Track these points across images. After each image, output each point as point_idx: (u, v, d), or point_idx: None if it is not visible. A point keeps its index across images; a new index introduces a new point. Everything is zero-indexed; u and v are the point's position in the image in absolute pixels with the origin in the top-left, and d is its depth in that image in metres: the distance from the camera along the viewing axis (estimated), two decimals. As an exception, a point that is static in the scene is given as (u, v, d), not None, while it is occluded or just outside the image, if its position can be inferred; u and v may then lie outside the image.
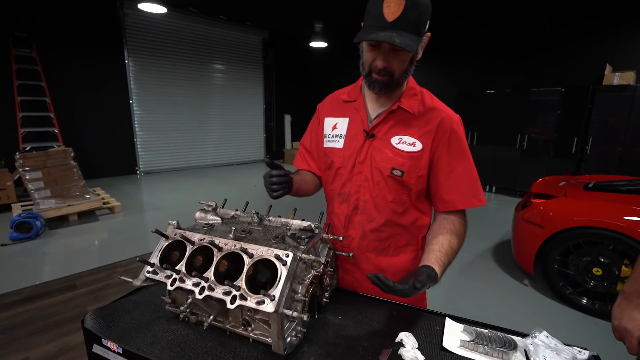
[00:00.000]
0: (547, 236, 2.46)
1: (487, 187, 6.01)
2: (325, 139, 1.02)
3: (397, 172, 0.90)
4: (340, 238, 0.86)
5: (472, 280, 2.82)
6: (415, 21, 0.75)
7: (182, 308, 0.74)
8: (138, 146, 6.89)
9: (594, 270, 2.31)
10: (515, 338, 0.77)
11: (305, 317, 0.67)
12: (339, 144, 0.98)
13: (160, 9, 4.98)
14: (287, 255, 0.70)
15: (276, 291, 0.66)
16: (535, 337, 0.75)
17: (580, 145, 4.89)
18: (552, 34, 5.41)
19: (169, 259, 0.83)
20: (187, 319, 0.81)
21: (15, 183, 4.45)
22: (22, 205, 4.08)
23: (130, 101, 6.59)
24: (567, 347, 0.73)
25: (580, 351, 0.72)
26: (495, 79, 6.12)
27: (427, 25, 0.81)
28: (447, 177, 0.91)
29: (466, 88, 6.39)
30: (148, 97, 6.86)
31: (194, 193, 5.74)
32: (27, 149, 4.71)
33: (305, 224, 0.87)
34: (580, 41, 5.17)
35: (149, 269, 0.78)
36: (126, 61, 6.40)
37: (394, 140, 0.90)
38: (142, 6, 4.81)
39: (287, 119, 9.47)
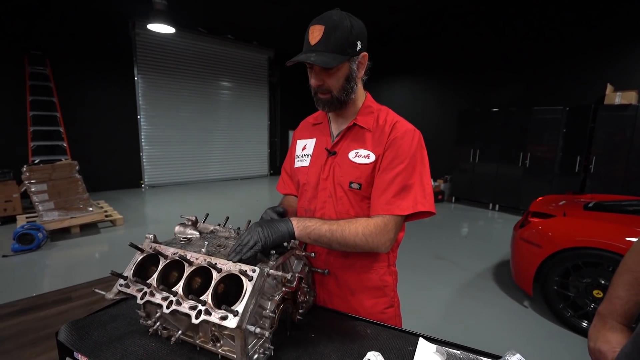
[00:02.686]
0: (545, 256, 2.41)
1: (490, 205, 5.94)
2: (295, 160, 1.08)
3: (355, 185, 0.92)
4: (312, 254, 0.86)
5: (471, 300, 2.76)
6: (337, 42, 0.82)
7: (149, 322, 0.75)
8: (144, 160, 7.03)
9: (595, 292, 2.24)
10: (486, 360, 0.76)
11: (267, 334, 0.67)
12: (306, 162, 1.03)
13: (169, 29, 5.17)
14: (254, 271, 0.71)
15: (240, 306, 0.66)
16: (508, 359, 0.73)
17: (584, 164, 4.85)
18: (554, 53, 5.46)
19: (145, 273, 0.85)
20: (158, 333, 0.81)
21: (23, 195, 4.55)
22: (27, 217, 4.15)
23: (138, 116, 6.77)
24: (538, 371, 0.71)
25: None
26: (497, 98, 6.16)
27: (360, 46, 0.86)
28: (377, 182, 0.90)
29: (467, 106, 6.43)
30: (155, 112, 7.04)
31: (197, 207, 5.78)
32: (36, 161, 4.84)
33: (279, 240, 0.88)
34: (582, 60, 5.21)
35: (122, 282, 0.79)
36: (135, 78, 6.62)
37: (351, 155, 0.94)
38: (151, 27, 5.01)
39: (291, 134, 9.59)
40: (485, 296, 2.82)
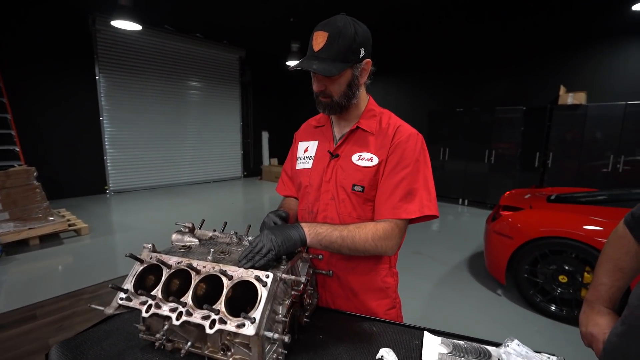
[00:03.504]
0: (516, 247, 2.57)
1: (460, 201, 6.23)
2: (297, 162, 1.08)
3: (358, 188, 0.93)
4: (320, 256, 0.87)
5: (449, 291, 2.89)
6: (340, 50, 0.83)
7: (158, 336, 0.72)
8: (108, 164, 6.63)
9: (560, 278, 2.43)
10: (490, 348, 0.80)
11: (286, 339, 0.67)
12: (308, 164, 1.03)
13: (135, 27, 4.92)
14: (267, 276, 0.70)
15: (257, 313, 0.66)
16: (508, 345, 0.78)
17: (542, 160, 5.22)
18: (515, 57, 5.83)
19: (143, 284, 0.81)
20: (162, 347, 0.78)
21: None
22: (-24, 230, 3.77)
23: (101, 118, 6.38)
24: (537, 354, 0.77)
25: (549, 357, 0.76)
26: (464, 98, 6.48)
27: (363, 52, 0.87)
28: (382, 187, 0.91)
29: (437, 107, 6.70)
30: (120, 113, 6.66)
31: (168, 212, 5.55)
32: (-16, 169, 4.40)
33: (285, 243, 0.87)
34: (539, 63, 5.61)
35: (122, 295, 0.75)
36: (97, 77, 6.22)
37: (354, 158, 0.95)
38: (115, 23, 4.73)
39: (265, 136, 9.48)
40: (462, 287, 2.97)
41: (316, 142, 1.04)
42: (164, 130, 7.42)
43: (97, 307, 0.76)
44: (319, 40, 0.84)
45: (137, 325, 0.81)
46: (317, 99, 0.93)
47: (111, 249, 3.89)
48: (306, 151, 1.05)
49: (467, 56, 6.38)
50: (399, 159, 0.90)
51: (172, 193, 7.03)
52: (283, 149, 9.99)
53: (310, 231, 0.82)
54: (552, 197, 2.99)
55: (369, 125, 0.96)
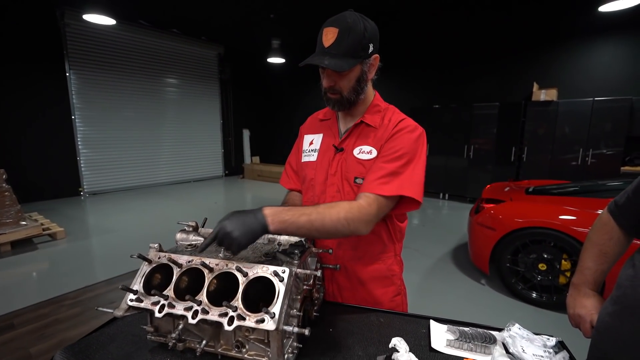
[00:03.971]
0: (498, 238, 2.69)
1: (441, 195, 6.41)
2: (303, 154, 1.09)
3: (359, 181, 0.95)
4: (330, 250, 0.88)
5: (436, 282, 2.98)
6: (350, 45, 0.84)
7: (173, 335, 0.71)
8: (82, 165, 6.33)
9: (540, 266, 2.56)
10: (494, 332, 0.84)
11: (306, 332, 0.68)
12: (314, 157, 1.04)
13: (108, 21, 4.71)
14: (284, 272, 0.70)
15: (276, 308, 0.66)
16: (510, 329, 0.83)
17: (518, 154, 5.46)
18: (492, 54, 6.04)
19: (150, 285, 0.79)
20: (173, 347, 0.76)
21: None
22: (-62, 237, 3.51)
23: (73, 117, 6.07)
24: (537, 336, 0.81)
25: (548, 338, 0.81)
26: (444, 95, 6.64)
27: (372, 48, 0.89)
28: (370, 169, 0.92)
29: (419, 103, 6.84)
30: (93, 112, 6.38)
31: (148, 213, 5.38)
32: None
33: (294, 239, 0.88)
34: (513, 60, 5.84)
35: (132, 296, 0.73)
36: (67, 74, 5.92)
37: (355, 151, 0.97)
38: (87, 17, 4.52)
39: (246, 133, 9.35)
40: (448, 278, 3.07)
41: (321, 135, 1.05)
42: (141, 129, 7.17)
43: (105, 309, 0.74)
44: (329, 36, 0.84)
45: (144, 326, 0.79)
46: (326, 95, 0.94)
47: (89, 252, 3.73)
48: (311, 144, 1.06)
49: (446, 54, 6.54)
50: (392, 145, 0.90)
51: (150, 193, 6.82)
52: (265, 147, 9.89)
53: (274, 218, 0.75)
54: (530, 190, 3.14)
55: (373, 120, 0.97)
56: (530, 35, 5.60)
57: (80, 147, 6.27)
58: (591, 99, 4.78)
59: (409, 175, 0.88)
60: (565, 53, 5.38)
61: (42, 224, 3.95)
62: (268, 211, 0.75)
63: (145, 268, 0.78)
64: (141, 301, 0.73)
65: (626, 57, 4.92)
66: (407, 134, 0.92)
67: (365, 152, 0.95)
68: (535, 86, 5.30)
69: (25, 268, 3.25)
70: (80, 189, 6.33)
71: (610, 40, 5.01)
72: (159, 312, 0.70)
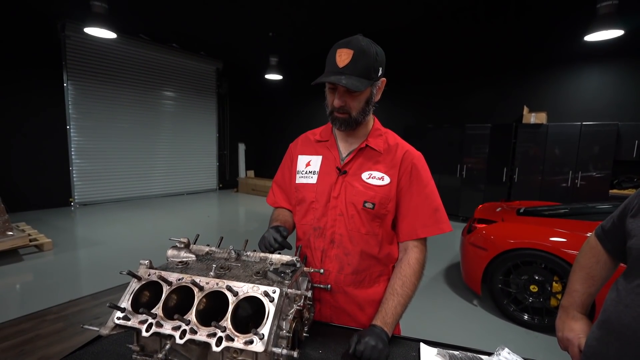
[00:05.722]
0: (490, 258, 2.69)
1: (434, 213, 6.43)
2: (297, 175, 1.08)
3: (369, 205, 0.96)
4: (321, 270, 0.88)
5: (428, 302, 2.95)
6: (364, 67, 0.88)
7: (160, 355, 0.69)
8: (74, 175, 6.27)
9: (531, 287, 2.57)
10: (483, 357, 0.84)
11: (295, 354, 0.67)
12: (312, 179, 1.04)
13: (109, 34, 4.78)
14: (274, 292, 0.70)
15: (265, 329, 0.65)
16: (500, 354, 0.83)
17: (509, 175, 5.55)
18: (484, 77, 6.22)
19: (138, 302, 0.78)
20: (159, 368, 0.75)
21: None
22: None
23: (68, 127, 6.06)
24: (526, 361, 0.81)
25: (537, 364, 0.81)
26: (438, 115, 6.78)
27: (381, 72, 0.93)
28: (407, 207, 0.99)
29: (413, 122, 6.97)
30: (89, 122, 6.37)
31: (139, 226, 5.31)
32: None
33: (286, 258, 0.88)
34: (506, 83, 6.02)
35: (119, 314, 0.72)
36: (65, 84, 5.94)
37: (365, 176, 0.98)
38: (88, 30, 4.57)
39: (242, 147, 9.39)
40: (440, 298, 3.05)
41: (320, 157, 1.05)
42: (136, 141, 7.16)
43: (91, 327, 0.73)
44: (343, 57, 0.87)
45: (130, 345, 0.78)
46: (333, 114, 0.95)
47: (76, 265, 3.65)
48: (308, 165, 1.06)
49: (440, 74, 6.72)
50: (416, 179, 0.97)
51: (143, 206, 6.74)
52: (260, 161, 9.91)
53: (389, 329, 0.89)
54: (522, 211, 3.17)
55: (377, 144, 1.00)
56: (520, 60, 5.80)
57: (73, 157, 6.22)
58: (579, 123, 4.92)
59: (442, 207, 1.01)
60: (554, 78, 5.57)
61: (29, 235, 3.87)
62: (381, 323, 0.89)
63: (134, 285, 0.77)
64: (128, 319, 0.72)
65: (612, 84, 5.11)
66: (423, 163, 1.02)
67: (376, 177, 0.98)
68: (526, 109, 5.45)
69: (8, 280, 3.16)
70: (71, 199, 6.24)
71: (596, 67, 5.21)
72: (146, 331, 0.69)
